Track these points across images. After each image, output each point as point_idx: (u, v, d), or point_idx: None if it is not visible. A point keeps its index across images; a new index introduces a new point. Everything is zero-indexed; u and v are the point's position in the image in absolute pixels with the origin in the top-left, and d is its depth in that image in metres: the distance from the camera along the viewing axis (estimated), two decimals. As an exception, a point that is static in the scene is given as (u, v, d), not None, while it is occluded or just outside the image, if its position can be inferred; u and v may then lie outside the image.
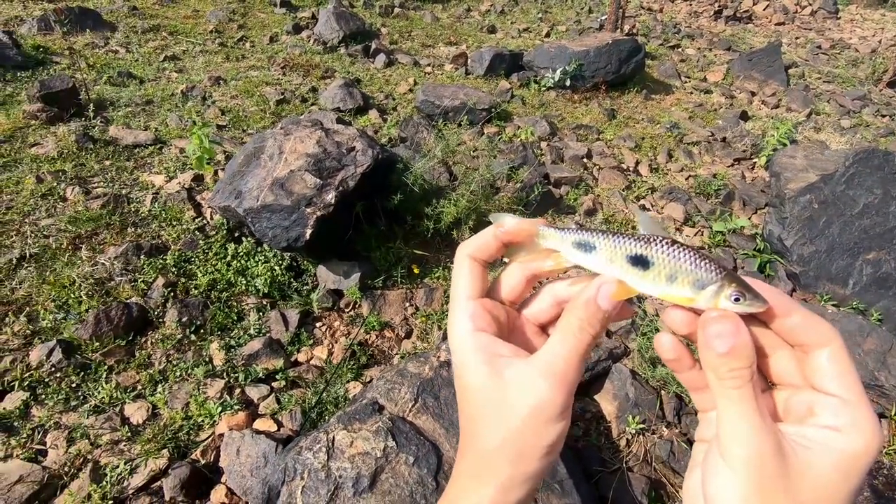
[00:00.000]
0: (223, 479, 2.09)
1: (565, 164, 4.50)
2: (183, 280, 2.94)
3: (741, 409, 0.43)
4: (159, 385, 2.45)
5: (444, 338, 2.64)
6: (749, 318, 0.46)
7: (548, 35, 8.06)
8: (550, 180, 4.19)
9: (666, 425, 2.42)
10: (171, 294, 2.84)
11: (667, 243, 0.48)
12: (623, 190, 4.30)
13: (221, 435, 2.23)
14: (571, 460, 1.96)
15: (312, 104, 5.19)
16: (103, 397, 2.33)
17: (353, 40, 6.64)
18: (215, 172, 3.85)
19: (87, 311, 2.65)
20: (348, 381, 2.57)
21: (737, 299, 0.45)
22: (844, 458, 0.41)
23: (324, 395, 2.44)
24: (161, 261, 3.01)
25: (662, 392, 2.55)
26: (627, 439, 2.36)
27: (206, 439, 2.24)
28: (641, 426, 2.36)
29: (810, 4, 11.00)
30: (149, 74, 5.31)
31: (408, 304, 3.01)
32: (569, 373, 0.47)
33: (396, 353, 2.80)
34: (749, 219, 4.06)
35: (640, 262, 0.49)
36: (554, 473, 1.76)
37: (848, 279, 3.34)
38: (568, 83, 5.91)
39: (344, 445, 1.71)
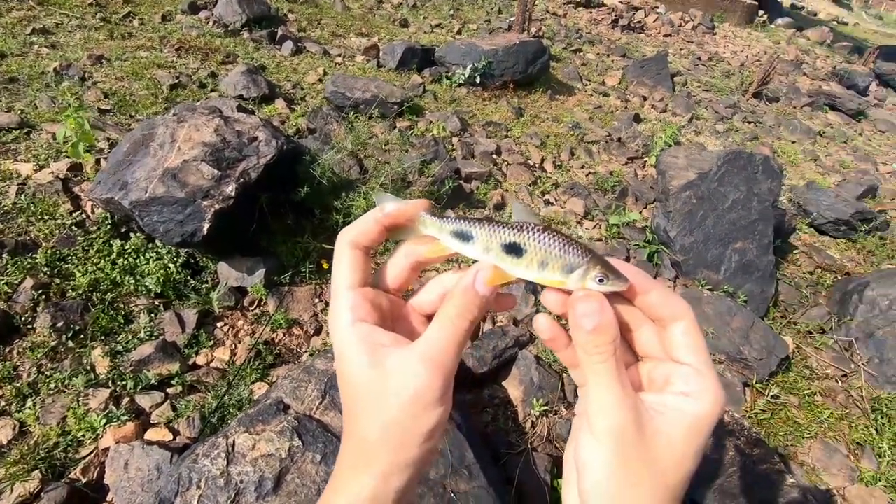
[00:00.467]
0: (109, 498, 1.91)
1: (475, 159, 4.61)
2: (57, 281, 2.63)
3: (604, 380, 0.46)
4: (28, 399, 2.18)
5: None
6: (614, 297, 0.50)
7: (459, 32, 8.19)
8: (461, 175, 4.27)
9: (566, 406, 2.59)
10: (43, 297, 2.53)
11: (538, 231, 0.52)
12: (529, 185, 4.49)
13: (106, 449, 2.04)
14: (479, 445, 2.03)
15: (212, 90, 4.85)
16: (-44, 418, 2.03)
17: (257, 25, 6.29)
18: (97, 161, 3.48)
19: (-69, 319, 2.28)
20: (253, 383, 2.45)
21: (601, 280, 0.49)
22: (693, 420, 0.46)
23: (226, 398, 2.31)
24: (30, 260, 2.67)
25: (564, 375, 2.72)
26: (532, 421, 2.49)
27: (87, 455, 2.03)
28: (545, 408, 2.50)
29: (692, 20, 12.18)
30: (12, 48, 4.65)
31: (317, 300, 2.93)
32: (447, 359, 0.48)
33: (305, 351, 2.71)
34: (640, 213, 4.43)
35: (515, 249, 0.51)
36: (462, 459, 1.82)
37: (720, 266, 3.77)
38: (478, 80, 6.05)
39: (245, 449, 1.63)
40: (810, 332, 3.66)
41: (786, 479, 2.22)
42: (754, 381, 3.10)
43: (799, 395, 3.16)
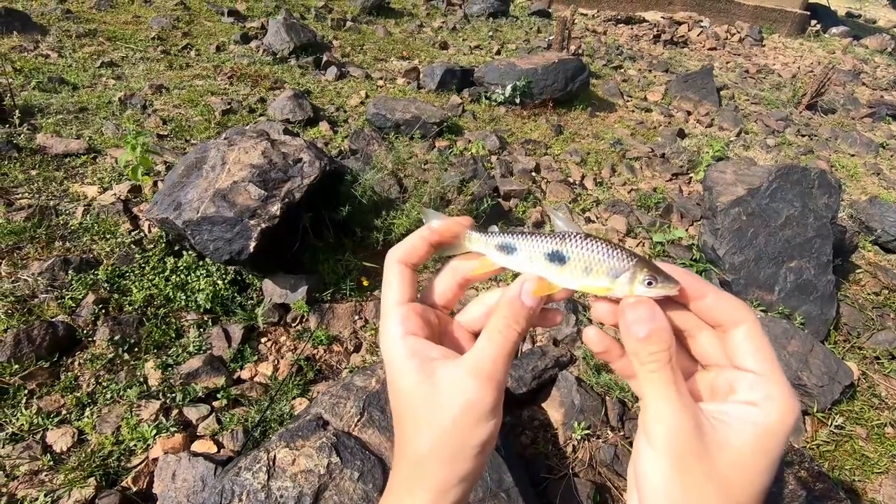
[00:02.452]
0: (157, 507, 1.97)
1: (514, 177, 4.60)
2: (116, 296, 2.78)
3: (661, 390, 0.44)
4: (87, 409, 2.29)
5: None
6: (666, 302, 0.48)
7: (498, 53, 8.27)
8: (500, 193, 4.27)
9: (610, 430, 2.49)
10: (103, 311, 2.68)
11: (580, 238, 0.51)
12: (570, 203, 4.44)
13: (156, 459, 2.11)
14: (519, 468, 1.98)
15: (260, 115, 5.08)
16: (22, 424, 2.16)
17: (303, 52, 6.57)
18: (154, 184, 3.70)
19: (5, 331, 2.45)
20: (294, 398, 2.49)
21: (650, 283, 0.47)
22: (761, 432, 0.42)
23: (268, 412, 2.36)
24: (92, 276, 2.84)
25: (607, 398, 2.63)
26: (573, 445, 2.41)
27: (138, 465, 2.11)
28: (587, 432, 2.42)
29: (738, 32, 11.85)
30: (83, 81, 5.05)
31: (357, 318, 2.97)
32: (497, 371, 0.48)
33: (345, 368, 2.75)
34: (686, 230, 4.28)
35: (558, 258, 0.51)
36: (500, 482, 1.77)
37: (774, 286, 3.57)
38: (518, 99, 6.07)
39: (285, 464, 1.66)
40: (878, 358, 3.40)
41: (854, 517, 2.05)
42: (815, 410, 2.90)
43: (867, 425, 2.93)
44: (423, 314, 0.53)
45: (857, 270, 4.29)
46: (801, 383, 2.92)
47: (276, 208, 2.63)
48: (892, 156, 6.95)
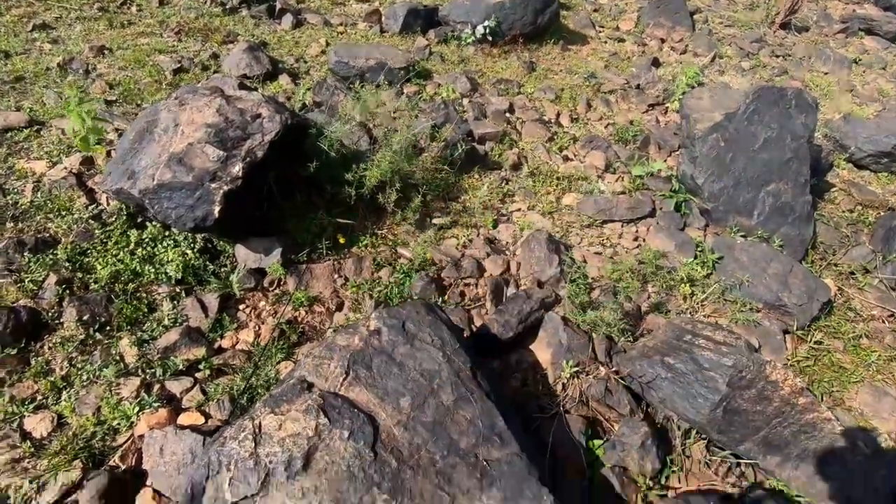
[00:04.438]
0: (148, 482, 1.94)
1: (488, 119, 4.44)
2: (80, 275, 2.64)
3: None
4: (63, 392, 2.22)
5: (376, 306, 2.57)
6: None
7: (463, -12, 7.81)
8: (474, 137, 4.12)
9: (599, 365, 2.51)
10: (67, 291, 2.55)
11: None
12: (546, 142, 4.32)
13: (142, 436, 2.07)
14: (510, 412, 1.98)
15: (215, 72, 4.75)
16: (-4, 414, 2.08)
17: (255, 0, 6.11)
18: (108, 154, 3.47)
19: (-36, 321, 2.32)
20: (279, 362, 2.45)
21: None
22: None
23: (253, 379, 2.31)
24: (51, 256, 2.69)
25: (594, 335, 2.64)
26: (563, 384, 2.43)
27: (124, 443, 2.06)
28: (576, 369, 2.43)
29: (710, -49, 11.36)
30: (15, 47, 4.63)
31: (336, 276, 2.89)
32: None
33: (329, 328, 2.69)
34: (664, 161, 4.22)
35: None
36: (492, 427, 1.77)
37: (753, 211, 3.57)
38: (487, 38, 5.78)
39: (272, 429, 1.62)
40: (853, 273, 3.47)
41: (833, 426, 2.12)
42: (795, 328, 2.97)
43: (843, 338, 3.02)
44: None
45: (832, 189, 4.32)
46: (782, 303, 2.96)
47: (237, 169, 2.47)
48: (864, 71, 6.88)
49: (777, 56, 6.86)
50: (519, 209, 3.61)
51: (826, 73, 6.61)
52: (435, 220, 3.34)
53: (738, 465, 2.24)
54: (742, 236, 3.50)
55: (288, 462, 1.53)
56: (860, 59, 7.12)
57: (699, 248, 3.36)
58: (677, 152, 4.31)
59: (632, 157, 4.20)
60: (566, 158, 4.20)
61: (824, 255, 3.64)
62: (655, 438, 2.17)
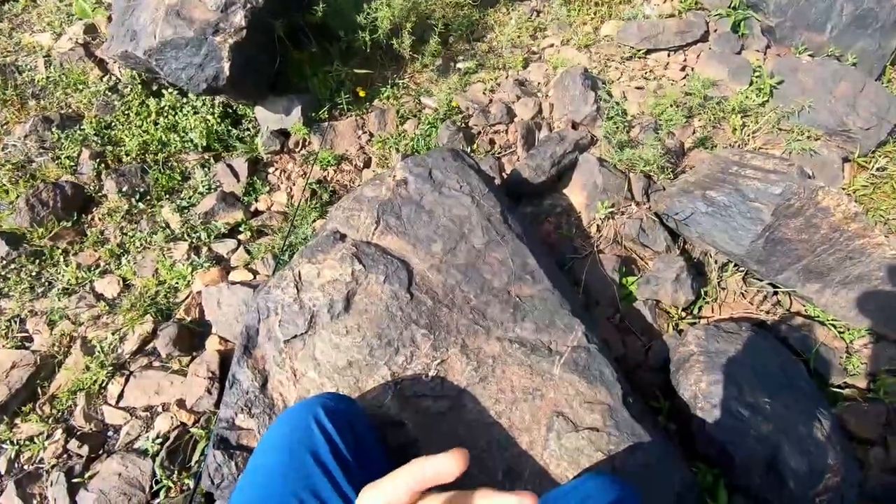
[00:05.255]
0: (213, 330, 2.15)
1: (515, -62, 3.81)
2: (110, 148, 2.67)
3: None
4: (122, 258, 2.38)
5: (403, 158, 2.50)
6: None
7: None
8: (499, -38, 3.59)
9: (635, 205, 2.44)
10: (103, 165, 2.60)
11: None
12: (583, -40, 3.72)
13: (199, 292, 2.24)
14: (542, 253, 1.99)
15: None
16: (69, 279, 2.28)
17: None
18: (109, 19, 3.27)
19: (16, 198, 2.45)
20: (314, 221, 2.50)
21: None
22: None
23: (291, 237, 2.39)
24: (79, 132, 2.70)
25: (630, 174, 2.52)
26: (597, 225, 2.40)
27: (185, 299, 2.25)
28: (611, 210, 2.37)
29: None
30: None
31: (360, 132, 2.79)
32: None
33: (359, 185, 2.68)
34: (724, -28, 3.59)
35: None
36: (524, 266, 1.79)
37: (826, 24, 3.08)
38: None
39: (311, 277, 1.69)
40: (938, 88, 3.06)
41: (884, 251, 2.03)
42: (857, 155, 2.73)
43: (912, 163, 2.76)
44: None
45: (931, -11, 3.62)
46: (845, 129, 2.69)
47: (239, 17, 2.28)
48: None
49: None
50: (552, 45, 3.26)
51: None
52: (459, 65, 3.08)
53: (776, 293, 2.24)
54: (810, 55, 3.08)
55: (330, 305, 1.62)
56: None
57: (756, 74, 3.00)
58: (741, -42, 3.64)
59: (685, -30, 3.59)
60: (606, -22, 3.64)
61: (906, 70, 3.19)
62: (691, 272, 2.16)
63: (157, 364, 2.06)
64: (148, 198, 2.55)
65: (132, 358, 2.08)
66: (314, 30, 2.76)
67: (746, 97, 2.87)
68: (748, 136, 2.81)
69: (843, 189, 2.67)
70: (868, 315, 2.07)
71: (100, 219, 2.50)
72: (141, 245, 2.41)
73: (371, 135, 2.79)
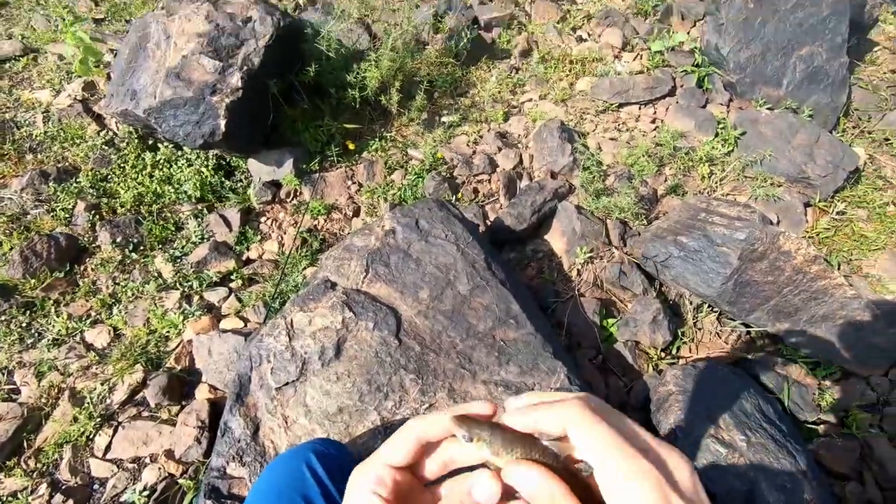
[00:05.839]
0: (203, 379, 2.17)
1: (493, 2, 4.11)
2: (105, 200, 2.75)
3: None
4: (114, 308, 2.41)
5: (391, 208, 2.62)
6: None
7: None
8: (480, 24, 3.86)
9: (613, 249, 2.56)
10: (97, 217, 2.67)
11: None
12: (558, 22, 4.01)
13: (190, 341, 2.27)
14: (525, 297, 2.08)
15: (199, -24, 4.45)
16: (59, 330, 2.30)
17: None
18: (108, 76, 3.41)
19: (10, 250, 2.49)
20: (305, 268, 2.58)
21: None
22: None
23: (282, 285, 2.45)
24: (75, 184, 2.78)
25: (608, 220, 2.66)
26: (578, 269, 2.50)
27: (175, 348, 2.28)
28: (590, 255, 2.49)
29: None
30: (-9, -31, 4.40)
31: (350, 182, 2.92)
32: None
33: (348, 233, 2.78)
34: (688, 33, 3.90)
35: None
36: (508, 311, 1.87)
37: (782, 79, 3.35)
38: None
39: (303, 325, 1.75)
40: (887, 140, 3.30)
41: (846, 291, 2.16)
42: (817, 200, 2.91)
43: (868, 207, 2.96)
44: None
45: (875, 49, 3.96)
46: (804, 176, 2.88)
47: (235, 79, 2.42)
48: None
49: None
50: (530, 99, 3.47)
51: None
52: (444, 119, 3.26)
53: (748, 333, 2.34)
54: (768, 108, 3.32)
55: (321, 352, 1.67)
56: None
57: (721, 125, 3.22)
58: (702, 21, 3.96)
59: (651, 32, 3.89)
60: (580, 39, 3.92)
61: (857, 122, 3.45)
62: (667, 313, 2.27)
63: (146, 414, 2.06)
64: (141, 248, 2.61)
65: (121, 408, 2.08)
66: (306, 88, 2.92)
67: (713, 147, 3.08)
68: (716, 183, 2.99)
69: (807, 232, 2.83)
70: (836, 352, 2.17)
71: (92, 269, 2.54)
72: (133, 294, 2.45)
73: (360, 185, 2.91)
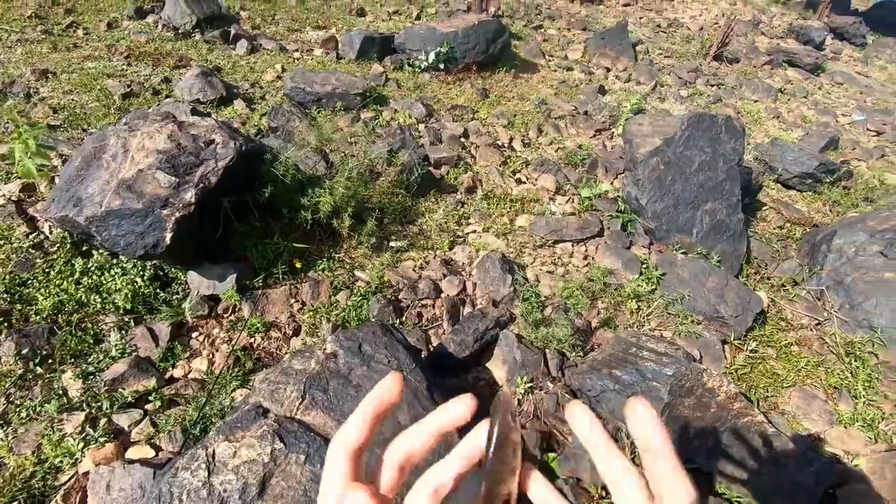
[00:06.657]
0: (94, 521, 1.87)
1: (443, 144, 4.57)
2: (19, 307, 2.54)
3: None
4: (0, 431, 2.10)
5: (333, 330, 2.58)
6: None
7: (418, 17, 8.06)
8: (430, 161, 4.23)
9: (551, 380, 2.60)
10: (5, 325, 2.44)
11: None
12: (500, 165, 4.47)
13: (86, 473, 1.99)
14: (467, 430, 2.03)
15: (167, 96, 4.69)
16: (-77, 457, 1.95)
17: (209, 25, 6.09)
18: (52, 180, 3.36)
19: None
20: (234, 390, 2.41)
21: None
22: None
23: (206, 408, 2.26)
24: (-13, 288, 2.57)
25: (546, 351, 2.74)
26: (518, 400, 2.50)
27: (67, 482, 1.98)
28: (530, 385, 2.51)
29: (649, -13, 12.17)
30: (-51, 70, 4.43)
31: (293, 301, 2.88)
32: None
33: (286, 353, 2.67)
34: (611, 183, 4.45)
35: None
36: (448, 446, 1.81)
37: (692, 229, 3.81)
38: (441, 65, 5.97)
39: (226, 457, 1.60)
40: (783, 286, 3.74)
41: (767, 429, 2.27)
42: (732, 338, 3.17)
43: (776, 346, 3.24)
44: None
45: (764, 208, 4.66)
46: (719, 315, 3.16)
47: (189, 195, 2.46)
48: (789, 99, 7.51)
49: (712, 85, 7.39)
50: (474, 231, 3.72)
51: (755, 101, 7.17)
52: (392, 243, 3.40)
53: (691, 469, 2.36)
54: (683, 253, 3.73)
55: (243, 489, 1.52)
56: (784, 89, 7.76)
57: (644, 266, 3.55)
58: (622, 175, 4.56)
59: (581, 180, 4.41)
60: (519, 181, 4.36)
61: (758, 269, 3.92)
62: (606, 449, 2.26)
63: (11, 569, 1.71)
64: (50, 361, 2.37)
65: (-20, 561, 1.72)
66: (260, 207, 3.00)
67: (639, 285, 3.35)
68: (644, 318, 3.21)
69: (727, 368, 3.03)
70: (764, 491, 2.21)
71: (-16, 384, 2.25)
72: (27, 415, 2.17)
73: (303, 304, 2.88)
